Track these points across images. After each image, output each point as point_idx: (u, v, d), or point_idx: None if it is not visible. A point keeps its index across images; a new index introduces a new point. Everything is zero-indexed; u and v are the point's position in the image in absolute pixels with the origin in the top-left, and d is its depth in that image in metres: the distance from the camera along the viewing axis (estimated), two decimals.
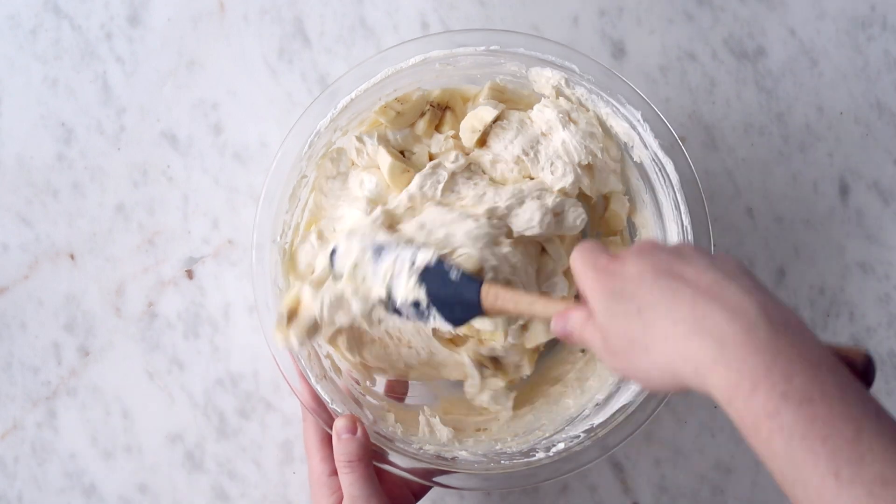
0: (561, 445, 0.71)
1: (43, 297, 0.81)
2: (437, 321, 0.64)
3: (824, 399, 0.45)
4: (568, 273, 0.74)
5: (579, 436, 0.71)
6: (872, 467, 0.43)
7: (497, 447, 0.72)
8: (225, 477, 0.81)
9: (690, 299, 0.49)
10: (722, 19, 0.85)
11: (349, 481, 0.67)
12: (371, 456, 0.68)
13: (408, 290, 0.64)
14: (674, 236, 0.73)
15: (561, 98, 0.74)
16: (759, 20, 0.85)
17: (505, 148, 0.73)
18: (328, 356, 0.73)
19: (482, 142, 0.74)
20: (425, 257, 0.65)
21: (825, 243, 0.84)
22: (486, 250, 0.67)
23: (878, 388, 0.83)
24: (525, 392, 0.77)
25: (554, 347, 0.79)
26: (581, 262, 0.55)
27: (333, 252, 0.68)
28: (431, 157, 0.75)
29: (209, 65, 0.83)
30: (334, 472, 0.69)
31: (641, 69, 0.84)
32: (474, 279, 0.63)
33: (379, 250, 0.66)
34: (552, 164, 0.72)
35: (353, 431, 0.68)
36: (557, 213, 0.72)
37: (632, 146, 0.74)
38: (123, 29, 0.83)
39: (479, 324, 0.71)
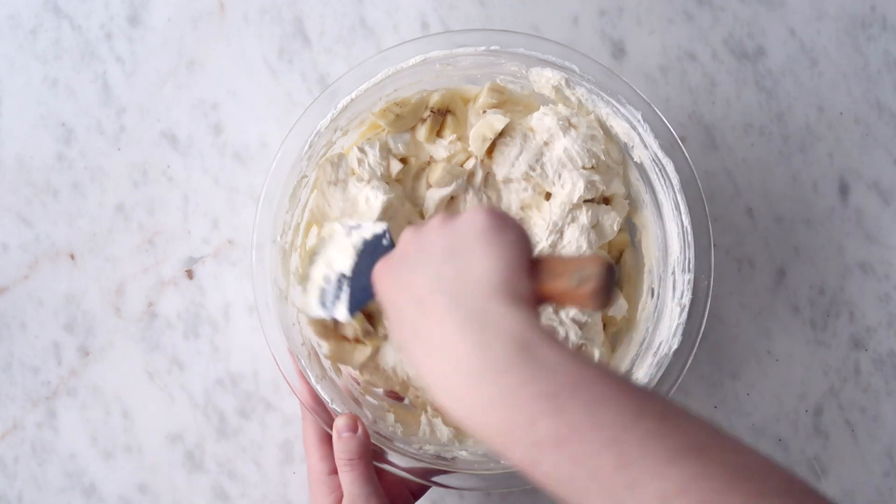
0: None
1: (43, 297, 0.81)
2: (341, 306, 0.62)
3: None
4: None
5: None
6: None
7: None
8: (225, 477, 0.81)
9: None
10: (722, 19, 0.85)
11: (349, 479, 0.67)
12: (371, 455, 0.68)
13: (341, 257, 0.63)
14: (674, 236, 0.73)
15: (560, 104, 0.74)
16: (759, 20, 0.85)
17: (512, 166, 0.74)
18: (328, 356, 0.73)
19: (490, 150, 0.75)
20: (372, 229, 0.63)
21: (825, 243, 0.84)
22: None
23: (879, 388, 0.83)
24: None
25: None
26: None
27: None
28: (432, 161, 0.75)
29: (209, 65, 0.83)
30: (333, 471, 0.69)
31: (641, 69, 0.84)
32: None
33: (352, 229, 0.66)
34: (560, 175, 0.73)
35: (354, 430, 0.68)
36: (594, 225, 0.72)
37: (632, 146, 0.74)
38: (123, 29, 0.83)
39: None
